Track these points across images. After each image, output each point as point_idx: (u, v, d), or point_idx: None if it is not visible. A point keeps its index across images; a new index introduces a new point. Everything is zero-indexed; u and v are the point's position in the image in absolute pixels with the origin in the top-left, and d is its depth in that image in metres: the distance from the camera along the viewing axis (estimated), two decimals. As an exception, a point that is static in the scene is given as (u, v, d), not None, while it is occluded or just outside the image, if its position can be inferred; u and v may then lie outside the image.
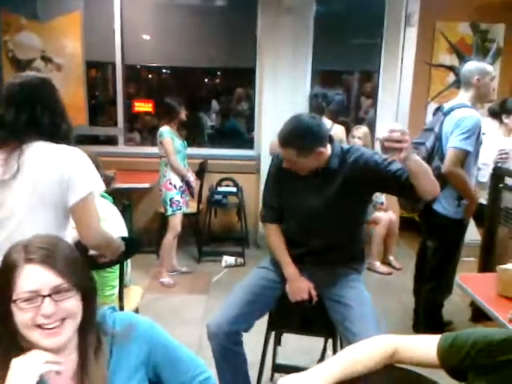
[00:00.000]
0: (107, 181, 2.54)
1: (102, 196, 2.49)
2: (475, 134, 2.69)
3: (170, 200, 4.07)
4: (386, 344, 1.27)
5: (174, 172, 4.05)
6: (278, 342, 2.48)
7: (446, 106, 2.90)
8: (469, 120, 2.68)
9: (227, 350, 2.03)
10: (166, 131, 3.99)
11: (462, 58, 3.03)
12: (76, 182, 1.71)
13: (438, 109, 2.96)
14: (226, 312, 2.07)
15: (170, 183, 4.07)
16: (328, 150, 2.09)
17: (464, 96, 2.86)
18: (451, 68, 3.15)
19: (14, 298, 1.05)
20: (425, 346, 1.23)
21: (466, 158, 2.71)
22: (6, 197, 1.69)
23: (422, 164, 1.91)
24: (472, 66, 2.86)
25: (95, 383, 1.11)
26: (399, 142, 1.72)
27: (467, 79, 2.85)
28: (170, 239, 4.13)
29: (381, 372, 1.25)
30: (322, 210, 2.14)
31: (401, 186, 1.97)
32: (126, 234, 2.54)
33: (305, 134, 2.01)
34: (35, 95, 1.74)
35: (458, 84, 2.99)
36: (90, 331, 1.15)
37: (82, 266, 1.16)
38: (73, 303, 1.10)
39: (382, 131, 1.73)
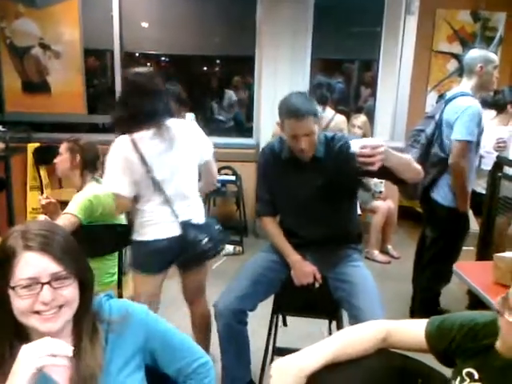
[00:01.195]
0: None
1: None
2: (477, 124, 2.68)
3: None
4: (379, 328, 1.28)
5: None
6: (283, 323, 2.53)
7: (449, 94, 2.89)
8: (470, 110, 2.67)
9: (233, 328, 2.10)
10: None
11: (466, 46, 3.01)
12: (205, 146, 2.35)
13: (441, 97, 2.96)
14: (233, 292, 2.13)
15: None
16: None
17: (466, 84, 2.85)
18: (455, 56, 3.13)
19: (13, 284, 1.05)
20: (414, 329, 1.25)
21: (469, 148, 2.71)
22: (164, 162, 2.15)
23: (400, 159, 1.94)
24: (475, 53, 2.84)
25: (90, 370, 1.11)
26: (371, 156, 1.75)
27: (470, 67, 2.83)
28: None
29: (376, 357, 1.26)
30: (314, 199, 2.18)
31: (382, 172, 1.94)
32: (124, 221, 2.54)
33: (311, 100, 2.12)
34: (161, 85, 2.25)
35: (460, 71, 2.98)
36: (86, 319, 1.15)
37: (80, 253, 1.16)
38: (71, 291, 1.10)
39: (355, 146, 1.77)
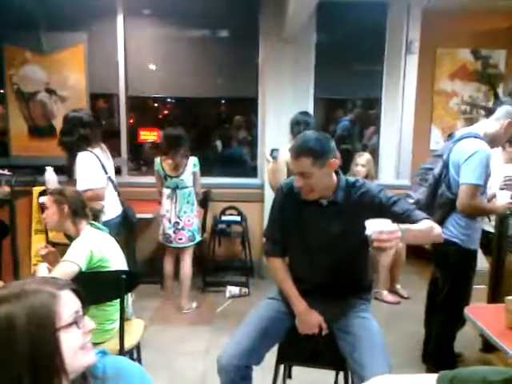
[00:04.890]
0: (95, 214, 2.54)
1: (98, 228, 2.48)
2: (485, 167, 2.65)
3: (198, 227, 4.17)
4: None
5: (197, 199, 4.21)
6: (288, 375, 2.45)
7: (458, 133, 2.87)
8: (480, 153, 2.64)
9: None
10: (198, 161, 4.10)
11: (497, 98, 2.99)
12: None
13: (450, 136, 2.94)
14: (237, 345, 2.04)
15: (197, 211, 4.19)
16: (335, 178, 2.11)
17: (483, 126, 2.80)
18: (483, 108, 3.11)
19: (63, 324, 1.05)
20: None
21: (478, 192, 2.68)
22: (109, 167, 3.41)
23: (417, 235, 1.93)
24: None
25: None
26: (387, 241, 1.73)
27: (501, 116, 2.77)
28: (191, 268, 4.19)
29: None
30: (328, 245, 2.12)
31: None
32: (125, 266, 2.51)
33: (318, 140, 2.02)
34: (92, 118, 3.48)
35: (487, 114, 2.95)
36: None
37: None
38: None
39: (370, 229, 1.74)
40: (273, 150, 4.20)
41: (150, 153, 5.45)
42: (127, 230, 3.56)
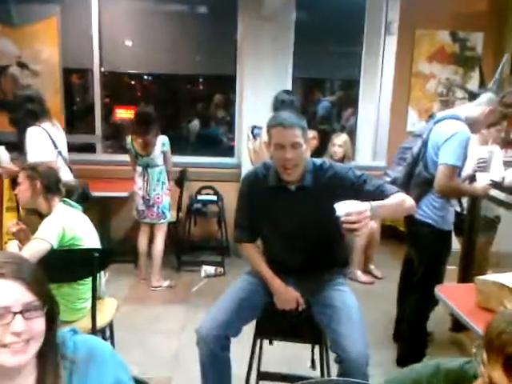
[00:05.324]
0: (68, 190, 2.49)
1: (70, 205, 2.43)
2: (464, 149, 2.67)
3: (169, 205, 4.15)
4: None
5: (168, 177, 4.18)
6: (269, 342, 2.45)
7: (439, 115, 2.88)
8: (459, 135, 2.65)
9: (215, 355, 2.03)
10: (167, 140, 4.06)
11: (483, 84, 3.01)
12: None
13: (431, 117, 2.95)
14: (216, 317, 2.06)
15: (169, 189, 4.16)
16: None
17: (465, 110, 2.81)
18: (469, 92, 3.11)
19: None
20: None
21: (456, 173, 2.69)
22: (60, 141, 3.52)
23: (389, 209, 1.95)
24: (494, 97, 2.81)
25: None
26: (356, 222, 1.74)
27: (483, 103, 2.80)
28: (163, 245, 4.19)
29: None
30: (300, 229, 2.13)
31: None
32: (98, 244, 2.47)
33: (299, 116, 2.08)
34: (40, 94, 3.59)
35: (470, 98, 2.97)
36: (50, 354, 1.08)
37: (47, 284, 1.10)
38: (40, 323, 1.04)
39: (339, 211, 1.75)
40: (254, 128, 4.13)
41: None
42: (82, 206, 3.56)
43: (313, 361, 2.42)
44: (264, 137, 3.44)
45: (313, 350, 2.45)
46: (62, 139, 3.57)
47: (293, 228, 2.13)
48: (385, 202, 1.94)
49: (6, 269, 1.01)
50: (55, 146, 3.44)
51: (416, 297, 2.94)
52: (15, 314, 0.99)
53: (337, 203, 1.77)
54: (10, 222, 2.49)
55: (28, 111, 3.37)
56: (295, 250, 2.17)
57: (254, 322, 2.23)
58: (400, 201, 2.01)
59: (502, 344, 0.98)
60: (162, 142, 4.01)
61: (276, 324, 2.24)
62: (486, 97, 2.81)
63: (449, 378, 1.11)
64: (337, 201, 1.78)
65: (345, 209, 1.74)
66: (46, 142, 3.40)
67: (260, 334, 2.27)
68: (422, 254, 2.93)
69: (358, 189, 2.03)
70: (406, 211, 2.08)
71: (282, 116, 2.06)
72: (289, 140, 2.01)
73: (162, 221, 4.12)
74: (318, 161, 2.19)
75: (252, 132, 4.12)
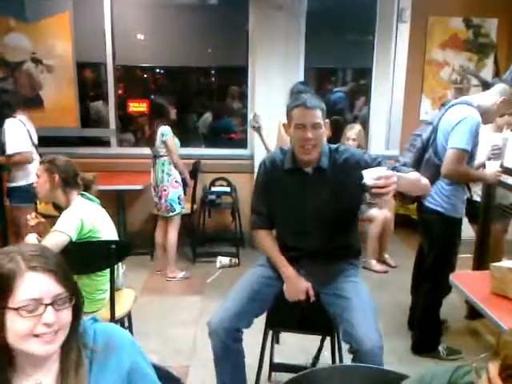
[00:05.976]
0: (86, 184, 2.52)
1: (89, 199, 2.47)
2: (473, 135, 2.65)
3: (179, 198, 4.14)
4: None
5: (177, 170, 4.12)
6: (276, 340, 2.51)
7: (451, 103, 2.86)
8: (469, 120, 2.63)
9: (227, 346, 2.05)
10: (169, 130, 4.03)
11: (497, 74, 2.99)
12: None
13: (443, 105, 2.94)
14: (227, 309, 2.08)
15: (176, 181, 4.13)
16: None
17: (478, 99, 2.79)
18: (482, 81, 3.10)
19: (15, 306, 1.02)
20: None
21: (465, 158, 2.68)
22: (33, 132, 3.98)
23: (409, 181, 1.98)
24: (510, 88, 2.78)
25: None
26: (385, 187, 1.77)
27: (496, 93, 2.78)
28: (176, 237, 4.21)
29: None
30: (316, 211, 2.14)
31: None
32: (115, 237, 2.51)
33: (319, 98, 2.12)
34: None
35: (484, 87, 2.95)
36: (73, 343, 1.12)
37: (72, 276, 1.14)
38: (67, 314, 1.08)
39: (368, 177, 1.78)
40: (255, 115, 4.09)
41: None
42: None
43: (319, 352, 2.45)
44: (282, 120, 3.42)
45: (322, 342, 2.47)
46: (33, 131, 4.00)
47: (308, 210, 2.15)
48: (405, 174, 1.97)
49: (36, 262, 1.05)
50: (30, 138, 3.88)
51: (428, 286, 2.94)
52: (46, 305, 1.03)
53: (364, 170, 1.81)
54: (29, 216, 2.53)
55: (3, 103, 3.73)
56: (309, 234, 2.18)
57: (265, 315, 2.24)
58: (417, 177, 2.06)
59: None
60: (161, 132, 4.01)
61: (286, 315, 2.25)
62: (500, 87, 2.79)
63: None
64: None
65: (373, 174, 1.78)
66: (24, 134, 3.83)
67: (271, 325, 2.28)
68: (432, 241, 2.93)
69: None
70: (422, 189, 2.09)
71: (304, 97, 2.08)
72: (310, 120, 2.03)
73: (171, 214, 4.13)
74: (334, 145, 2.22)
75: (255, 119, 4.06)
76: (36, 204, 4.38)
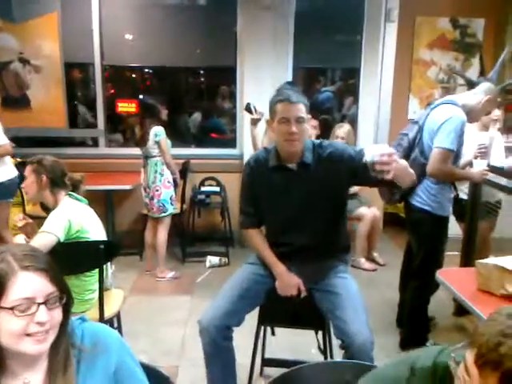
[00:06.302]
0: (74, 184, 2.51)
1: (77, 199, 2.46)
2: (459, 134, 2.68)
3: (171, 198, 4.13)
4: None
5: (169, 170, 4.12)
6: (272, 332, 2.52)
7: (437, 102, 2.89)
8: (455, 119, 2.67)
9: (218, 344, 2.06)
10: (162, 131, 4.03)
11: (483, 74, 3.03)
12: None
13: (429, 105, 2.97)
14: (218, 307, 2.09)
15: (168, 181, 4.13)
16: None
17: (463, 98, 2.83)
18: (468, 80, 3.13)
19: (7, 305, 1.02)
20: None
21: (450, 158, 2.71)
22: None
23: (401, 164, 1.93)
24: (493, 87, 2.83)
25: None
26: (389, 163, 1.76)
27: (481, 91, 2.81)
28: (166, 237, 4.20)
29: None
30: (302, 207, 2.16)
31: (378, 179, 1.96)
32: (104, 237, 2.50)
33: (304, 95, 2.14)
34: None
35: (469, 85, 2.99)
36: (62, 343, 1.12)
37: (62, 275, 1.14)
38: (59, 313, 1.09)
39: (370, 154, 1.77)
40: (248, 104, 4.00)
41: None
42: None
43: (319, 346, 2.46)
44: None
45: (316, 335, 2.49)
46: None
47: (293, 206, 2.16)
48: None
49: (28, 261, 1.06)
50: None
51: (416, 283, 2.97)
52: (39, 304, 1.04)
53: (366, 147, 1.83)
54: (16, 217, 2.51)
55: None
56: (296, 229, 2.19)
57: (257, 310, 2.26)
58: (406, 164, 1.99)
59: (500, 359, 0.89)
60: (154, 132, 4.01)
61: (279, 311, 2.27)
62: (485, 86, 2.82)
63: (425, 378, 1.09)
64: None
65: (377, 150, 1.77)
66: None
67: (263, 321, 2.31)
68: (420, 240, 2.95)
69: (358, 162, 2.01)
70: (410, 178, 2.01)
71: (287, 92, 2.09)
72: (294, 114, 2.04)
73: (163, 214, 4.12)
74: (317, 140, 2.24)
75: (249, 108, 3.96)
76: (24, 205, 4.36)
